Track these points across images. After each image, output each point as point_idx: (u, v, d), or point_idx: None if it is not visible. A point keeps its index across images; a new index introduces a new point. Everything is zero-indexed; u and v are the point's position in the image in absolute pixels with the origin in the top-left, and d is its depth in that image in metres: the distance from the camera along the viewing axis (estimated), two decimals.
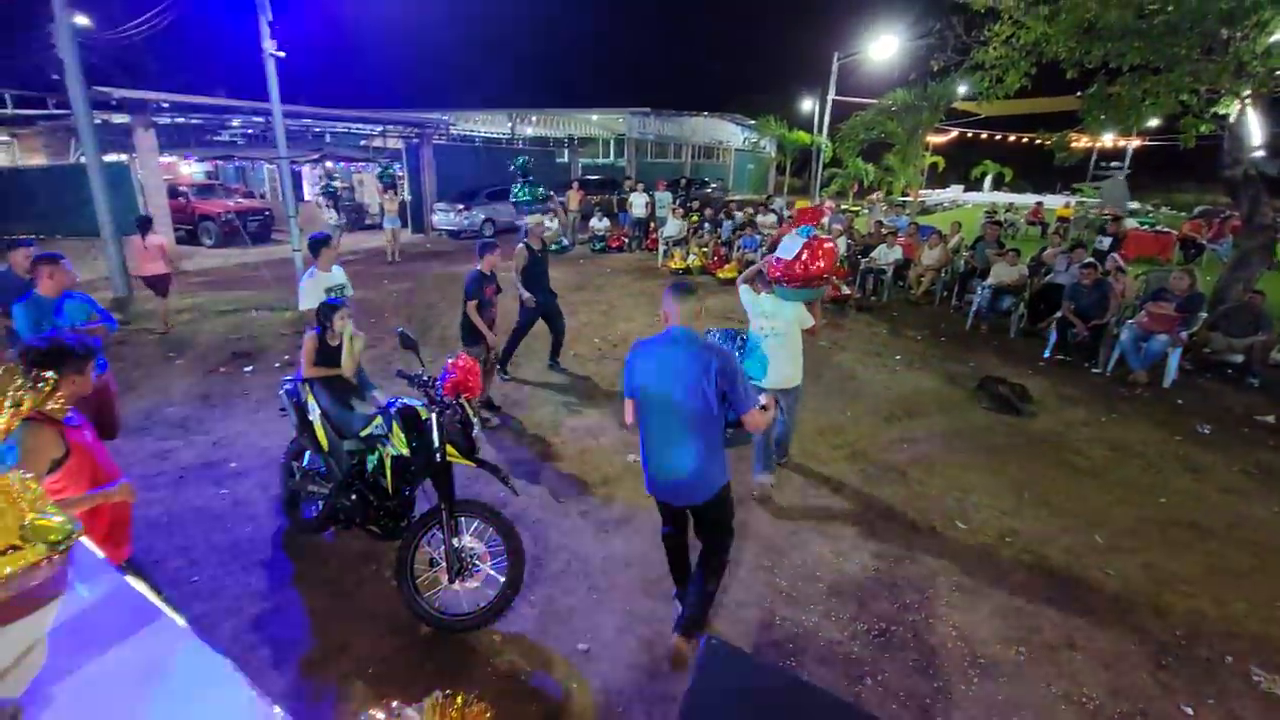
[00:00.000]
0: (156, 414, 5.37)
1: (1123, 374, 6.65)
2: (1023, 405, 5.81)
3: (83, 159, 9.74)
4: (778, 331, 4.00)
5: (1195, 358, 6.91)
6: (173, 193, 14.72)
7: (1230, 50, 6.95)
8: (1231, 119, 7.65)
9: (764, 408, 2.63)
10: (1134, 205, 24.20)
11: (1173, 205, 27.69)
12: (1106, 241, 10.63)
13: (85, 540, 1.34)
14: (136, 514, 2.47)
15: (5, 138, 20.60)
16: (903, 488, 4.44)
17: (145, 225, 7.71)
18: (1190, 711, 2.70)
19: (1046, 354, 7.25)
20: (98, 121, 9.85)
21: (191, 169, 20.04)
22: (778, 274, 3.95)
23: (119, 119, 13.15)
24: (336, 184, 14.14)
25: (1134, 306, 7.22)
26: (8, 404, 1.19)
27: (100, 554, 1.38)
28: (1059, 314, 7.25)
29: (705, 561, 2.84)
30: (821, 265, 3.88)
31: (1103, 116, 8.02)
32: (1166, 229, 16.03)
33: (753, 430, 2.68)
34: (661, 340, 2.66)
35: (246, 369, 6.53)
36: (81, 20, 11.20)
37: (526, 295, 6.02)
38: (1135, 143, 28.95)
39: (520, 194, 13.16)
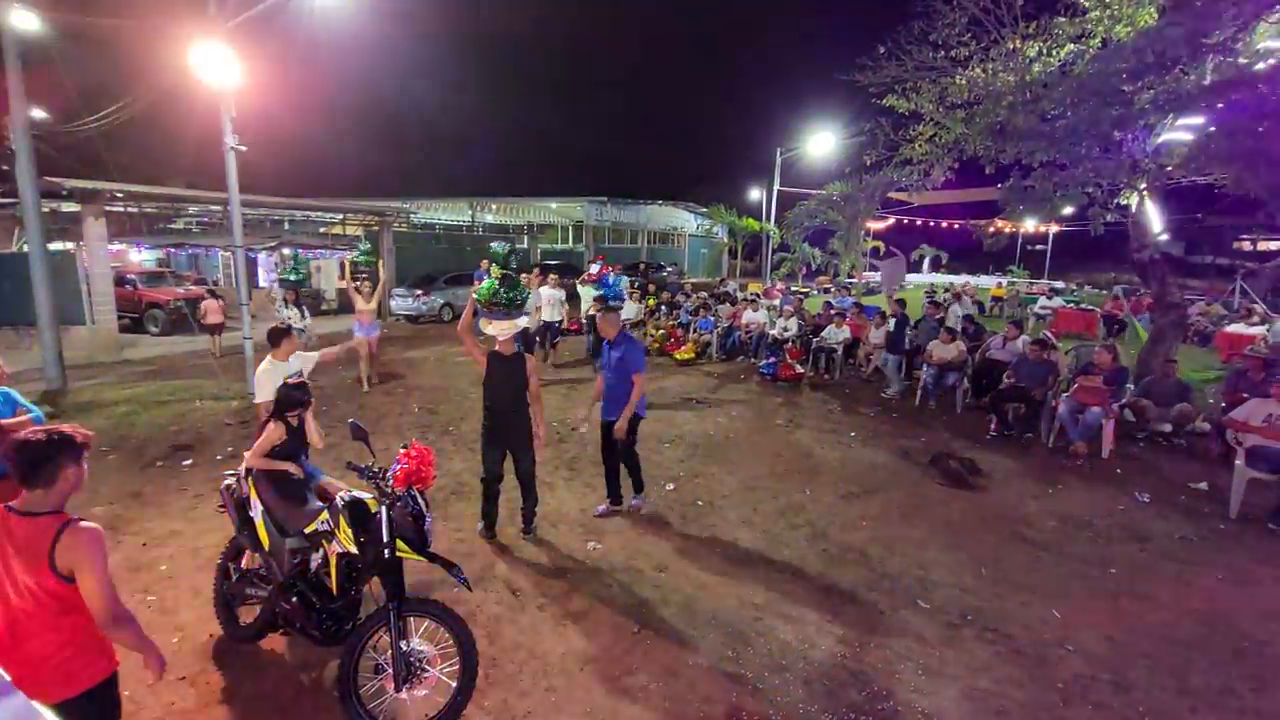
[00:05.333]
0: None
1: (1064, 445, 6.92)
2: (974, 479, 5.95)
3: (26, 247, 9.52)
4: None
5: (1130, 427, 7.25)
6: (120, 280, 14.40)
7: (1124, 150, 7.75)
8: (1133, 209, 8.43)
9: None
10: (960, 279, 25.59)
11: (1093, 284, 29.77)
12: (892, 322, 10.38)
13: None
14: None
15: None
16: (864, 567, 4.43)
17: (212, 294, 12.68)
18: None
19: (993, 428, 7.50)
20: (46, 210, 9.72)
21: (141, 256, 19.72)
22: (587, 279, 11.66)
23: (69, 208, 13.00)
24: (298, 274, 10.54)
25: (1067, 381, 7.60)
26: None
27: (6, 676, 1.27)
28: (999, 387, 7.57)
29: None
30: (600, 272, 11.62)
31: (1021, 207, 8.72)
32: (1090, 307, 17.18)
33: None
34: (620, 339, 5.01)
35: (185, 462, 6.22)
36: (38, 113, 11.26)
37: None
38: (1055, 228, 31.42)
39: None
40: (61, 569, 1.86)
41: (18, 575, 1.86)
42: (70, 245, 13.94)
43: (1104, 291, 23.16)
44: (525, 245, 26.73)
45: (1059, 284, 27.59)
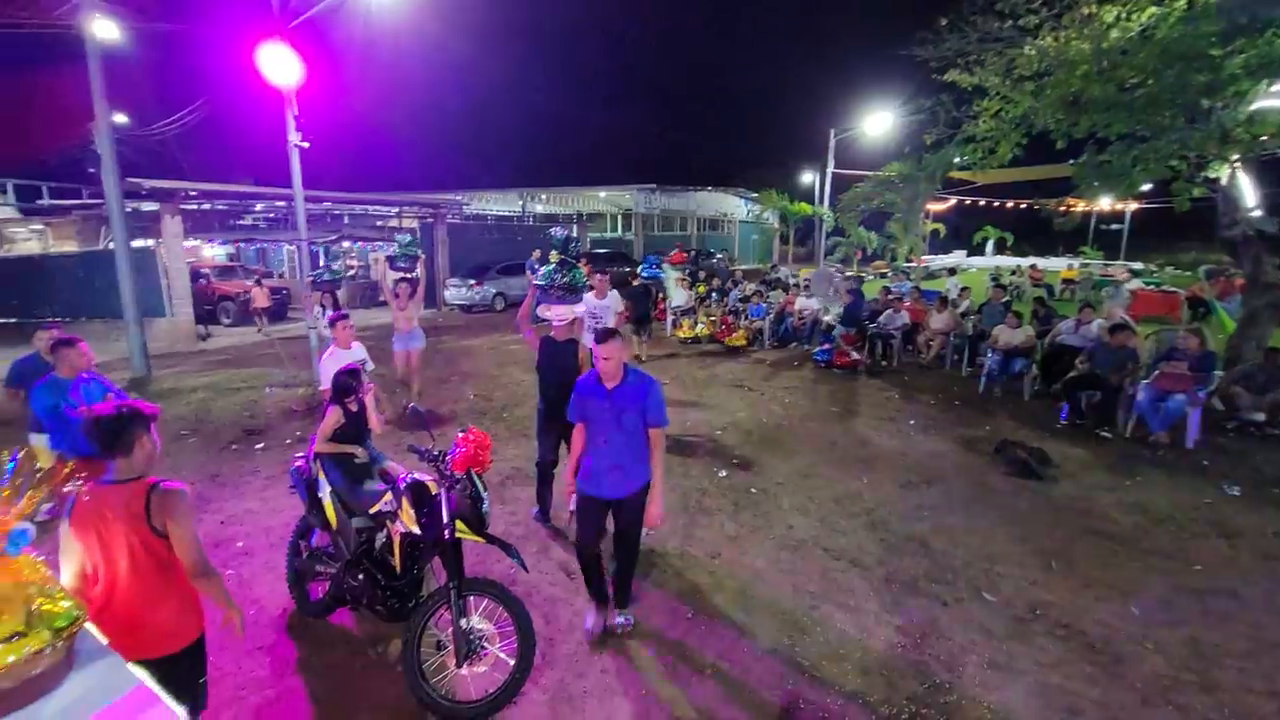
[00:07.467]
0: None
1: (1142, 436, 6.53)
2: (1043, 470, 5.68)
3: (112, 245, 10.15)
4: None
5: (1218, 416, 6.79)
6: (194, 275, 15.23)
7: (1213, 119, 7.19)
8: (1223, 182, 7.82)
9: None
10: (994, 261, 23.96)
11: (1176, 265, 27.90)
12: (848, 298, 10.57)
13: (89, 626, 1.32)
14: None
15: (39, 226, 21.60)
16: (925, 558, 4.30)
17: (258, 284, 15.50)
18: None
19: (1064, 417, 7.13)
20: (128, 210, 10.33)
21: (214, 251, 20.81)
22: (672, 261, 15.47)
23: (148, 207, 13.79)
24: (333, 274, 8.07)
25: (1147, 367, 7.16)
26: (27, 488, 1.20)
27: (103, 639, 1.35)
28: (1071, 374, 7.19)
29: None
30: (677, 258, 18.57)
31: (1096, 183, 8.22)
32: (1173, 289, 16.11)
33: None
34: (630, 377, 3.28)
35: (258, 446, 6.54)
36: (119, 118, 11.96)
37: None
38: (1133, 205, 29.59)
39: None
40: (157, 525, 2.05)
41: (120, 538, 2.03)
42: (150, 242, 14.82)
43: (1188, 273, 21.64)
44: (575, 234, 26.93)
45: (1137, 265, 25.95)
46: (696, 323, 12.62)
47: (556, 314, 4.39)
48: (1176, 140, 7.16)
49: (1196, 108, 7.22)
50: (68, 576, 2.04)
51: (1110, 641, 3.43)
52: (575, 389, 3.27)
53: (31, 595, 1.10)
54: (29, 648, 1.04)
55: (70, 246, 19.49)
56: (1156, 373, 6.66)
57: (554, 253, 4.44)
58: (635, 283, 11.34)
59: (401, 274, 7.51)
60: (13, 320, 13.89)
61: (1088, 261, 28.79)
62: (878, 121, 21.00)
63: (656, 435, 3.22)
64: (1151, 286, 16.81)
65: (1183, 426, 6.34)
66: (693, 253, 26.36)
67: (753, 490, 5.38)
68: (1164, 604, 3.79)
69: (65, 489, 1.99)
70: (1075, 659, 3.29)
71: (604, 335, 3.09)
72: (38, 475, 1.26)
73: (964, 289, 11.65)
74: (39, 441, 4.12)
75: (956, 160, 10.18)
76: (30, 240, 21.39)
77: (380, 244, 20.03)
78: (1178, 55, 6.62)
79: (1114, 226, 36.59)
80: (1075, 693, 3.05)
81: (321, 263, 7.41)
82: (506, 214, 29.68)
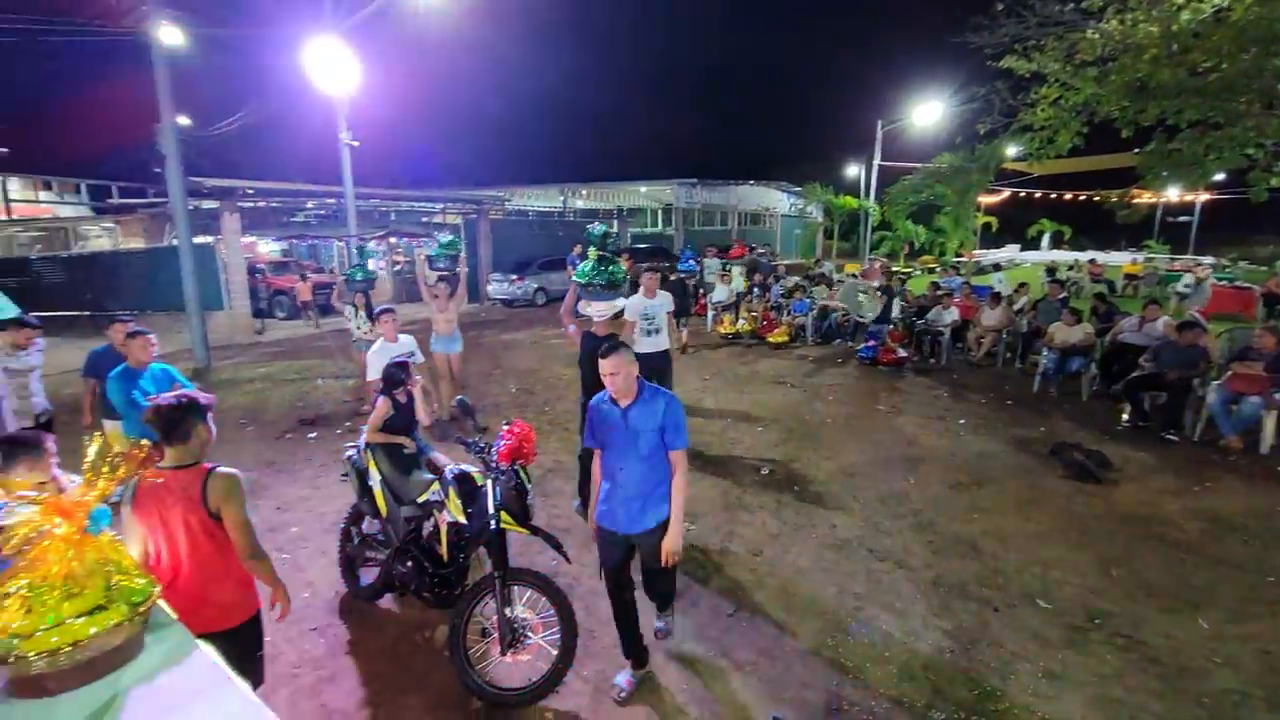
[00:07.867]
0: None
1: (1212, 439, 6.19)
2: (1102, 473, 5.44)
3: (175, 242, 10.63)
4: None
5: None
6: (250, 270, 15.84)
7: None
8: None
9: None
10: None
11: (1251, 259, 26.31)
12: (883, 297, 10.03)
13: (161, 603, 1.39)
14: None
15: (110, 224, 22.84)
16: (975, 561, 4.17)
17: (303, 278, 15.91)
18: None
19: (1126, 419, 6.81)
20: (190, 207, 10.81)
21: (269, 248, 21.59)
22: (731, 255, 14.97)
23: (209, 204, 14.40)
24: (365, 273, 7.56)
25: (1219, 367, 6.78)
26: (106, 469, 1.26)
27: (174, 615, 1.42)
28: (1135, 374, 6.86)
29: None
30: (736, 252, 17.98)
31: (1164, 173, 7.83)
32: (1247, 284, 15.20)
33: None
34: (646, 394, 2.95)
35: (310, 435, 6.77)
36: (182, 120, 12.49)
37: None
38: (1203, 196, 28.05)
39: None
40: (212, 508, 2.17)
41: (180, 520, 2.16)
42: (210, 239, 15.48)
43: (1265, 267, 20.38)
44: (613, 228, 27.01)
45: (1208, 259, 24.53)
46: (738, 318, 12.51)
47: (597, 310, 4.40)
48: (1253, 127, 6.77)
49: (1274, 93, 6.79)
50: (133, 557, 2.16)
51: (1175, 653, 3.27)
52: (589, 410, 2.95)
53: (110, 572, 1.17)
54: (109, 621, 1.10)
55: (138, 243, 20.56)
56: (1229, 373, 6.31)
57: (592, 249, 4.42)
58: (672, 277, 11.31)
59: (441, 273, 7.32)
60: (86, 313, 14.71)
61: (1152, 256, 27.42)
62: (928, 111, 20.36)
63: (677, 459, 2.84)
64: (1224, 282, 15.88)
65: (1257, 430, 5.99)
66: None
67: (795, 488, 5.31)
68: (1234, 615, 3.59)
69: (142, 472, 2.10)
70: (1137, 671, 3.15)
71: (607, 349, 2.72)
72: (115, 459, 1.32)
73: (1021, 284, 11.19)
74: (112, 428, 4.37)
75: (1011, 151, 9.81)
76: (102, 238, 22.65)
77: (424, 240, 20.49)
78: (1254, 38, 6.24)
79: (1182, 218, 34.79)
80: (1137, 706, 2.92)
81: (355, 261, 6.77)
82: (547, 209, 29.97)
